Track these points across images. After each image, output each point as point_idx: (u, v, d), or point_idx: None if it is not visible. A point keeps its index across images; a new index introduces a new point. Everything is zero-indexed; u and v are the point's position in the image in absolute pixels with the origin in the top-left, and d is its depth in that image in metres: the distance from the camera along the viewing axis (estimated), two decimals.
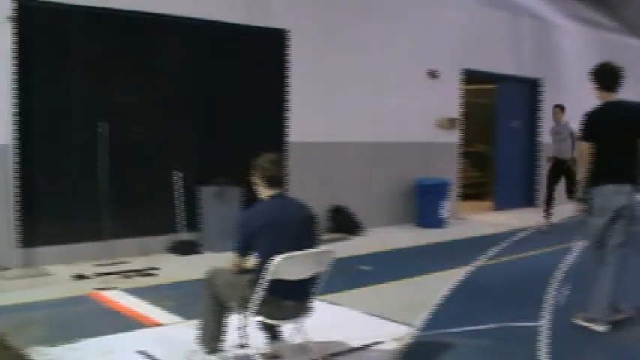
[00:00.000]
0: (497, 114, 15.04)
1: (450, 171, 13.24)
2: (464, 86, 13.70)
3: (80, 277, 7.99)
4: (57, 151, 8.74)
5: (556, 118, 12.34)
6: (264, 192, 4.91)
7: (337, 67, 11.33)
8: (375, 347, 5.60)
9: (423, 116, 12.66)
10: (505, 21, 14.45)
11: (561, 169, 12.07)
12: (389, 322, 6.24)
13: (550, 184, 12.22)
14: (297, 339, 5.08)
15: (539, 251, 9.98)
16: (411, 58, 12.39)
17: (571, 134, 11.69)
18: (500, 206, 14.84)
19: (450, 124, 13.19)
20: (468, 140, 14.35)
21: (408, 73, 12.37)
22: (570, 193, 11.73)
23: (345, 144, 11.59)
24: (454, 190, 13.13)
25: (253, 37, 10.37)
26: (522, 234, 11.45)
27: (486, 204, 15.32)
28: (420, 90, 12.54)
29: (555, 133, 12.30)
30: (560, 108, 12.39)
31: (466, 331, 6.02)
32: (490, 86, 15.20)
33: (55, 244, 8.62)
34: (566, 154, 11.97)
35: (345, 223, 11.33)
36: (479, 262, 9.10)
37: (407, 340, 5.75)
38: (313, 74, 11.01)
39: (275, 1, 10.56)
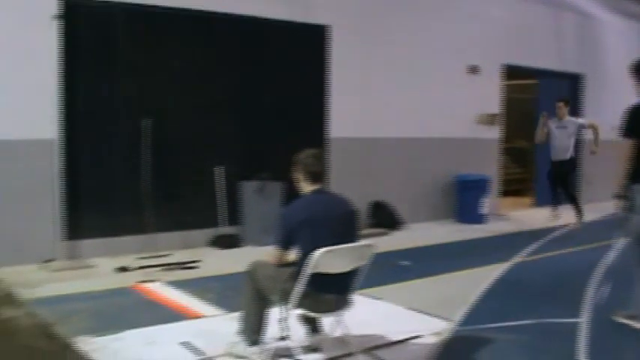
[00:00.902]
0: (538, 109, 14.90)
1: (490, 167, 13.18)
2: (504, 81, 13.62)
3: (123, 269, 8.12)
4: (101, 147, 8.90)
5: (560, 114, 11.39)
6: (306, 187, 4.97)
7: (378, 62, 11.35)
8: (414, 341, 5.62)
9: (463, 112, 12.62)
10: (546, 15, 14.30)
11: (559, 171, 11.38)
12: (428, 317, 6.26)
13: (553, 186, 11.56)
14: (337, 332, 5.12)
15: (580, 248, 9.90)
16: (451, 54, 12.36)
17: (579, 130, 11.33)
18: (540, 202, 14.70)
19: (490, 119, 13.13)
20: (508, 136, 14.27)
21: (448, 69, 12.34)
22: (570, 198, 11.44)
23: (386, 139, 11.60)
24: (494, 186, 13.07)
25: (294, 32, 10.44)
26: (563, 231, 11.36)
27: (526, 200, 15.23)
28: (460, 85, 12.49)
29: (559, 127, 11.31)
30: (564, 103, 11.51)
31: (505, 326, 6.02)
32: (531, 81, 15.09)
33: (99, 237, 8.78)
34: (563, 154, 11.21)
35: (385, 218, 11.36)
36: (518, 259, 9.07)
37: (446, 335, 5.76)
38: (354, 69, 11.04)
39: None
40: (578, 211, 11.37)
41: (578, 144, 11.66)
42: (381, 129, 11.50)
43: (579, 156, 12.17)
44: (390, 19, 11.47)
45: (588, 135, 11.73)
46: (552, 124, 11.41)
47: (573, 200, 11.46)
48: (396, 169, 11.72)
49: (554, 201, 11.63)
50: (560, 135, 11.28)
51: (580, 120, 11.31)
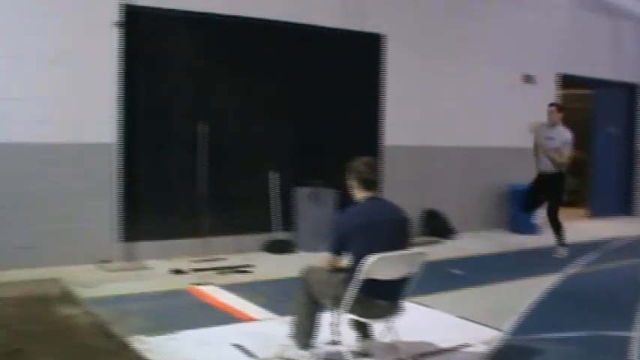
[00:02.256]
0: (593, 120, 14.76)
1: None
2: (560, 91, 13.50)
3: (178, 271, 8.26)
4: (159, 151, 9.06)
5: (551, 120, 10.10)
6: (359, 194, 5.03)
7: (432, 70, 11.37)
8: (464, 350, 5.63)
9: (517, 121, 12.52)
10: (604, 24, 14.15)
11: (543, 185, 10.18)
12: (478, 326, 6.26)
13: (527, 200, 10.64)
14: (388, 338, 5.17)
15: (635, 261, 9.78)
16: (506, 63, 12.30)
17: (565, 144, 9.90)
18: (595, 213, 14.55)
19: None
20: None
21: (503, 78, 12.28)
22: (551, 220, 10.16)
23: (440, 148, 11.60)
24: None
25: (350, 41, 10.51)
26: (618, 243, 11.22)
27: (581, 211, 15.05)
28: (514, 94, 12.43)
29: (547, 138, 10.04)
30: (557, 108, 10.24)
31: (555, 338, 6.00)
32: (587, 91, 14.93)
33: (154, 239, 8.93)
34: (550, 167, 10.00)
35: (438, 226, 11.35)
36: (571, 270, 9.00)
37: (495, 344, 5.76)
38: (408, 78, 11.07)
39: (372, 5, 10.67)
40: (559, 236, 10.18)
41: None
42: (435, 137, 11.50)
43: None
44: (445, 28, 11.48)
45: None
46: (542, 132, 10.29)
47: (554, 223, 10.21)
48: (450, 178, 11.70)
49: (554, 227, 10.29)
50: (546, 146, 10.08)
51: (568, 135, 9.98)
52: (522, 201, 10.82)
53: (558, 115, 10.11)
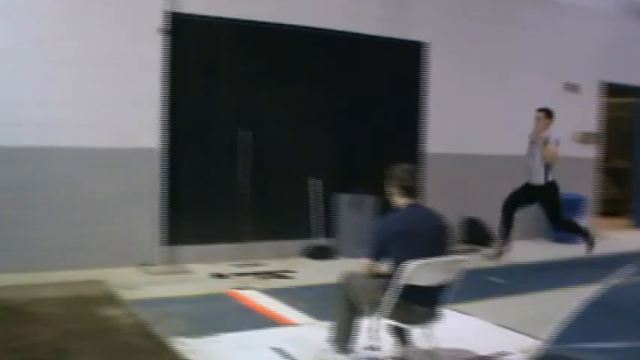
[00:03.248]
0: (638, 128, 14.59)
1: (586, 186, 12.94)
2: (603, 99, 13.39)
3: (219, 275, 8.36)
4: (201, 156, 9.18)
5: (538, 127, 9.59)
6: (399, 201, 5.07)
7: (475, 78, 11.36)
8: (502, 358, 5.62)
9: (559, 130, 12.39)
10: None
11: (528, 196, 9.94)
12: (517, 334, 6.24)
13: (507, 211, 10.19)
14: (426, 344, 5.19)
15: None
16: (548, 71, 12.22)
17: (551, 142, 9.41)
18: (638, 224, 14.38)
19: (587, 138, 12.92)
20: (606, 155, 14.00)
21: (545, 86, 12.17)
22: (556, 222, 9.93)
23: (481, 156, 11.55)
24: (590, 206, 12.83)
25: (393, 49, 10.54)
26: None
27: (623, 221, 14.87)
28: (557, 103, 12.27)
29: (533, 144, 9.64)
30: (545, 113, 9.61)
31: (595, 348, 5.93)
32: (632, 100, 14.76)
33: (195, 243, 9.03)
34: (537, 178, 9.70)
35: (478, 235, 11.31)
36: (613, 280, 8.89)
37: (534, 353, 5.73)
38: (451, 86, 11.06)
39: (415, 14, 10.70)
40: (578, 232, 10.17)
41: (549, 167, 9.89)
42: (477, 145, 11.46)
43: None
44: (488, 36, 11.48)
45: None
46: (530, 139, 9.77)
47: (565, 227, 10.12)
48: (491, 186, 11.60)
49: (503, 232, 10.24)
50: (532, 153, 9.62)
51: (554, 135, 9.60)
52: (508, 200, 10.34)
53: (546, 122, 9.64)
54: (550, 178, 9.78)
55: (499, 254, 10.15)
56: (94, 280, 7.61)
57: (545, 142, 9.56)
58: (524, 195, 10.07)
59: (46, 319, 6.16)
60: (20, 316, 6.25)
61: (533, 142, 9.71)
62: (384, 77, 10.49)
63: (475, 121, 11.34)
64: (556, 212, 9.98)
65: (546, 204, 10.02)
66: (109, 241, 8.38)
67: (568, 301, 7.54)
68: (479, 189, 11.47)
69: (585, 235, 10.13)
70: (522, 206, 10.27)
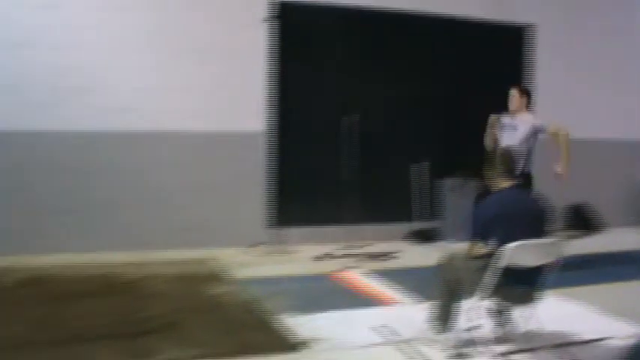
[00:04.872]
0: None
1: None
2: None
3: (323, 256, 8.54)
4: (306, 140, 9.37)
5: (512, 107, 8.11)
6: (501, 183, 5.11)
7: (582, 61, 11.10)
8: (605, 343, 5.56)
9: None
10: None
11: None
12: (621, 320, 6.16)
13: None
14: (526, 326, 5.22)
15: None
16: None
17: (533, 134, 8.03)
18: None
19: None
20: None
21: None
22: None
23: (590, 141, 11.30)
24: None
25: (498, 32, 10.47)
26: None
27: None
28: None
29: (508, 127, 8.07)
30: (520, 91, 8.22)
31: None
32: None
33: (301, 225, 9.27)
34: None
35: (585, 220, 11.11)
36: None
37: (636, 339, 5.66)
38: (558, 69, 10.85)
39: None
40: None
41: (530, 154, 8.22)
42: (585, 130, 11.18)
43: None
44: (596, 16, 11.18)
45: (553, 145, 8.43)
46: (503, 122, 8.21)
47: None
48: (600, 171, 11.37)
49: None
50: (508, 138, 7.99)
51: (538, 122, 8.13)
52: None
53: (521, 101, 8.17)
54: (528, 170, 8.20)
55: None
56: (205, 259, 7.93)
57: None
58: None
59: (160, 294, 6.48)
60: (137, 290, 6.59)
61: (514, 129, 8.16)
62: (489, 61, 10.40)
63: (583, 104, 11.05)
64: None
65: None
66: (218, 223, 8.70)
67: None
68: (588, 174, 11.21)
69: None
70: None
